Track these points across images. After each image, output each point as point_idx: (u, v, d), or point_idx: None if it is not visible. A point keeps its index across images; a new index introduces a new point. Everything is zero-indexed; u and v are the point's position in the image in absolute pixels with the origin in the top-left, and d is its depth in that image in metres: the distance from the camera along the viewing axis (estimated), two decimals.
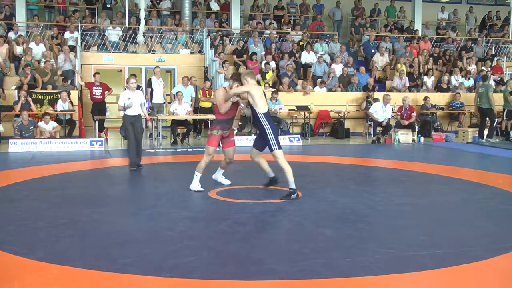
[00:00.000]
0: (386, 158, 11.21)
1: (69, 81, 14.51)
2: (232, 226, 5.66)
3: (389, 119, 14.18)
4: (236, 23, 18.70)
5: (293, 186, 6.73)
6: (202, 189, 7.16)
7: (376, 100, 14.95)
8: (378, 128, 14.09)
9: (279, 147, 6.80)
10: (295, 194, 6.72)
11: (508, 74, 19.12)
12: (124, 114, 9.13)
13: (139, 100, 9.24)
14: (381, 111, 14.01)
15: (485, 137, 14.13)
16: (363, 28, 19.82)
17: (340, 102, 15.45)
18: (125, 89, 9.65)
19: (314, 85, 16.21)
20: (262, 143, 7.03)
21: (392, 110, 15.14)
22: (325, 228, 5.51)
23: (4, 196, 6.99)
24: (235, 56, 16.83)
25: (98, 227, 5.54)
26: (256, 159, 7.24)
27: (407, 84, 16.63)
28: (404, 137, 14.03)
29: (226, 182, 7.67)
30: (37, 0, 17.87)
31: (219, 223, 5.75)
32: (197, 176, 7.22)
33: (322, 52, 17.57)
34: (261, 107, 6.78)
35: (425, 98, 15.71)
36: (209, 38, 17.19)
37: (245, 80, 6.90)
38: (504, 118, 15.21)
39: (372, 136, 14.02)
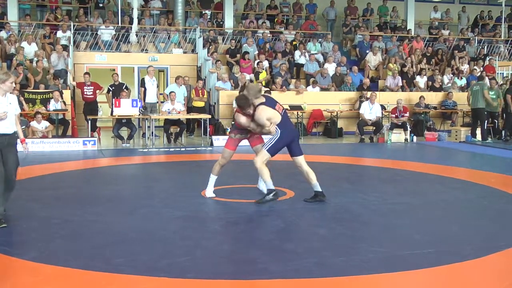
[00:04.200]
0: (379, 158, 11.24)
1: (62, 80, 14.46)
2: (225, 225, 5.66)
3: (380, 117, 14.25)
4: (229, 22, 18.69)
5: (271, 186, 6.31)
6: (214, 195, 6.82)
7: (361, 100, 15.03)
8: (366, 127, 14.16)
9: (271, 153, 6.30)
10: (273, 194, 6.30)
11: (500, 73, 19.21)
12: None
13: (14, 108, 5.63)
14: (368, 110, 14.09)
15: (480, 140, 14.10)
16: (355, 28, 19.86)
17: (333, 102, 15.46)
18: None
19: (307, 84, 16.24)
20: (294, 148, 6.51)
21: (385, 109, 15.22)
22: (318, 228, 5.52)
23: None
24: (228, 55, 16.81)
25: (91, 227, 5.52)
26: (300, 167, 6.57)
27: (400, 84, 16.68)
28: (397, 136, 14.08)
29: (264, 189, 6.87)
30: None
31: (212, 223, 5.75)
32: (212, 178, 6.84)
33: (315, 51, 17.60)
34: (276, 121, 6.23)
35: (420, 97, 15.74)
36: (202, 37, 17.17)
37: (252, 104, 6.25)
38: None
39: (360, 135, 14.05)
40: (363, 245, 4.86)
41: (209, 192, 6.85)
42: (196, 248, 4.75)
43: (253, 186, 7.36)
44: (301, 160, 6.53)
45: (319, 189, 6.52)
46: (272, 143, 6.28)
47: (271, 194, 6.32)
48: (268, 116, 6.20)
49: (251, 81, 15.58)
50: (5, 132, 5.46)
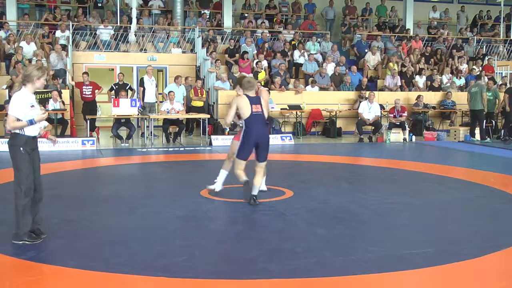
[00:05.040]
0: (378, 157, 11.24)
1: (60, 80, 14.45)
2: (224, 225, 5.67)
3: (379, 117, 14.27)
4: (228, 22, 18.69)
5: (243, 178, 6.45)
6: (214, 188, 6.94)
7: (360, 100, 15.07)
8: (365, 127, 14.18)
9: (241, 158, 6.41)
10: (244, 181, 6.43)
11: (499, 73, 19.22)
12: (16, 134, 4.90)
13: (40, 108, 5.24)
14: (367, 110, 14.11)
15: (479, 139, 14.13)
16: (354, 27, 19.87)
17: (332, 101, 15.47)
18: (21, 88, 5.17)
19: (306, 84, 16.24)
20: (259, 153, 6.53)
21: (384, 108, 15.22)
22: (317, 227, 5.52)
23: None
24: (227, 55, 16.81)
25: (90, 226, 5.52)
26: (257, 171, 6.67)
27: (399, 83, 16.68)
28: (396, 136, 14.09)
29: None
30: None
31: (211, 222, 5.75)
32: (222, 173, 6.95)
33: (314, 51, 17.60)
34: (244, 114, 6.37)
35: (418, 97, 15.75)
36: (201, 37, 17.17)
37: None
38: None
39: (359, 135, 14.05)
40: (362, 245, 4.86)
41: (218, 186, 6.94)
42: (195, 247, 4.75)
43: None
44: (261, 166, 6.55)
45: (255, 192, 6.44)
46: (239, 147, 6.41)
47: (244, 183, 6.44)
48: (237, 104, 6.34)
49: None
50: (35, 134, 5.01)
